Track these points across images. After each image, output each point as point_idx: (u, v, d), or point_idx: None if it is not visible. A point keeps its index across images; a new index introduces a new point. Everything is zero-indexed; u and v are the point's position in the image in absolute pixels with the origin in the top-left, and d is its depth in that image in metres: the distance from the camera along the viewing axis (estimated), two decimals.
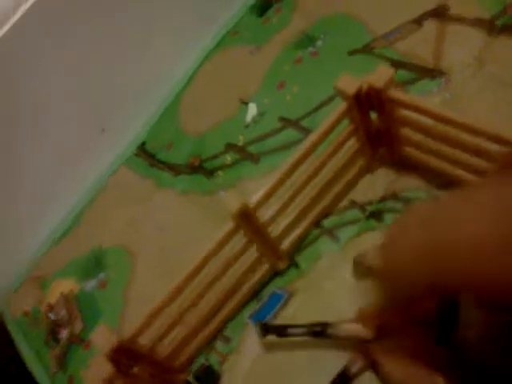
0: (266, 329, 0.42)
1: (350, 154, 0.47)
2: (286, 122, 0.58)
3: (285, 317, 0.46)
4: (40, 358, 0.57)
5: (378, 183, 0.49)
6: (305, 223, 0.48)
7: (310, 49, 0.62)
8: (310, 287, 0.46)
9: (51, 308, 0.59)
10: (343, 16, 0.62)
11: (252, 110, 0.61)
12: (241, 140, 0.59)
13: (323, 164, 0.45)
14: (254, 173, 0.56)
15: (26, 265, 0.65)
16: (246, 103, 0.62)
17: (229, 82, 0.65)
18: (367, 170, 0.49)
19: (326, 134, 0.43)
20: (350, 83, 0.41)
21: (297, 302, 0.46)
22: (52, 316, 0.58)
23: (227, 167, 0.58)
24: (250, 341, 0.46)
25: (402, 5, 0.58)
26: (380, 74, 0.40)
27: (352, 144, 0.47)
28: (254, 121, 0.60)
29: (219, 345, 0.47)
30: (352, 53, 0.59)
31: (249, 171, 0.57)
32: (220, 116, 0.63)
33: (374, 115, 0.44)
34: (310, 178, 0.45)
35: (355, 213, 0.48)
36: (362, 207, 0.48)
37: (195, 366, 0.47)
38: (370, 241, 0.46)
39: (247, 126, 0.60)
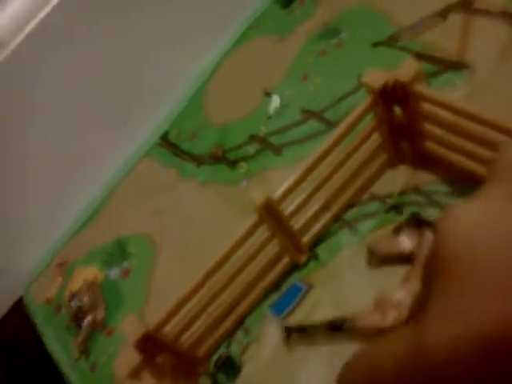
0: (288, 331, 0.43)
1: (372, 148, 0.47)
2: (309, 114, 0.58)
3: (304, 308, 0.46)
4: (62, 345, 0.58)
5: (398, 177, 0.49)
6: (327, 216, 0.48)
7: (334, 40, 0.62)
8: (330, 279, 0.46)
9: (74, 295, 0.60)
10: (367, 8, 0.62)
11: (275, 101, 0.61)
12: (263, 131, 0.60)
13: (346, 158, 0.46)
14: (277, 164, 0.57)
15: (49, 252, 0.66)
16: (270, 94, 0.62)
17: (253, 73, 0.66)
18: (389, 164, 0.49)
19: (351, 128, 0.43)
20: (376, 77, 0.41)
21: (316, 294, 0.46)
22: (75, 303, 0.59)
23: (250, 158, 0.59)
24: (269, 331, 0.46)
25: None
26: (406, 68, 0.40)
27: (375, 138, 0.47)
28: (277, 112, 0.61)
29: (240, 335, 0.48)
30: (376, 45, 0.59)
31: (271, 162, 0.57)
32: (244, 107, 0.63)
33: (397, 110, 0.44)
34: (333, 171, 0.45)
35: (375, 205, 0.48)
36: (382, 200, 0.48)
37: (216, 356, 0.48)
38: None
39: (270, 118, 0.61)
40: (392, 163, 0.49)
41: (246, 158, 0.59)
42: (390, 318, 0.38)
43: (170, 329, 0.43)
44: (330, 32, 0.63)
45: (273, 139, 0.59)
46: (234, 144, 0.61)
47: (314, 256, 0.48)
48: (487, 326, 0.19)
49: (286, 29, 0.67)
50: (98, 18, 0.59)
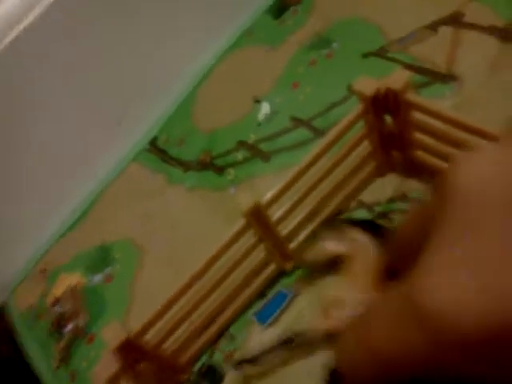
0: (239, 364, 0.43)
1: (362, 156, 0.47)
2: (298, 122, 0.58)
3: (289, 316, 0.45)
4: (43, 352, 0.56)
5: (387, 185, 0.49)
6: (314, 223, 0.48)
7: (325, 51, 0.62)
8: (317, 286, 0.46)
9: (57, 301, 0.59)
10: (359, 20, 0.62)
11: (265, 108, 0.61)
12: (252, 138, 0.60)
13: (335, 165, 0.45)
14: (265, 171, 0.56)
15: (33, 257, 0.65)
16: (259, 102, 0.62)
17: (243, 80, 0.66)
18: (378, 173, 0.49)
19: (341, 135, 0.42)
20: (368, 85, 0.41)
21: (302, 301, 0.46)
22: (58, 309, 0.58)
23: (238, 164, 0.59)
24: (254, 338, 0.46)
25: (418, 11, 0.58)
26: (397, 77, 0.40)
27: (365, 146, 0.47)
28: (267, 119, 0.61)
29: (223, 342, 0.47)
30: (366, 55, 0.59)
31: (259, 169, 0.57)
32: (233, 114, 0.63)
33: (387, 118, 0.44)
34: (322, 178, 0.45)
35: (363, 213, 0.48)
36: (369, 208, 0.48)
37: (199, 364, 0.47)
38: None
39: (259, 125, 0.61)
40: (381, 172, 0.49)
41: (233, 165, 0.59)
42: (332, 318, 0.38)
43: (151, 335, 0.42)
44: (321, 42, 0.64)
45: (262, 146, 0.59)
46: (222, 150, 0.61)
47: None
48: (497, 278, 0.17)
49: (277, 38, 0.67)
50: (93, 18, 0.59)
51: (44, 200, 0.65)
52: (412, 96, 0.40)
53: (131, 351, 0.40)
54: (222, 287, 0.45)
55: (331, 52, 0.62)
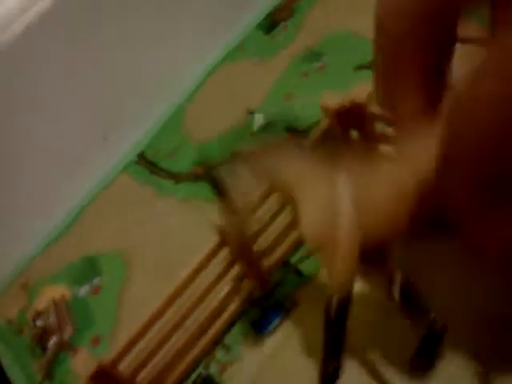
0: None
1: None
2: (292, 133, 0.58)
3: (287, 327, 0.44)
4: (23, 368, 0.54)
5: None
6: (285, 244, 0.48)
7: (317, 64, 0.63)
8: (313, 295, 0.45)
9: (39, 314, 0.56)
10: (349, 33, 0.63)
11: (259, 119, 0.61)
12: (246, 149, 0.59)
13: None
14: None
15: (16, 269, 0.62)
16: (253, 113, 0.62)
17: (235, 93, 0.66)
18: None
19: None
20: (332, 100, 0.42)
21: (300, 311, 0.45)
22: (39, 323, 0.55)
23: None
24: (251, 349, 0.44)
25: None
26: (360, 91, 0.41)
27: None
28: (261, 130, 0.60)
29: (219, 354, 0.45)
30: (358, 68, 0.59)
31: None
32: (226, 125, 0.63)
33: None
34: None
35: None
36: None
37: (194, 376, 0.45)
38: None
39: (253, 135, 0.60)
40: None
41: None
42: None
43: (126, 364, 0.40)
44: (312, 55, 0.64)
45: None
46: (216, 161, 0.60)
47: (297, 272, 0.47)
48: None
49: (268, 53, 0.68)
50: (80, 32, 0.58)
51: (29, 212, 0.63)
52: (375, 109, 0.41)
53: (104, 381, 0.38)
54: (198, 312, 0.44)
55: (323, 65, 0.62)
